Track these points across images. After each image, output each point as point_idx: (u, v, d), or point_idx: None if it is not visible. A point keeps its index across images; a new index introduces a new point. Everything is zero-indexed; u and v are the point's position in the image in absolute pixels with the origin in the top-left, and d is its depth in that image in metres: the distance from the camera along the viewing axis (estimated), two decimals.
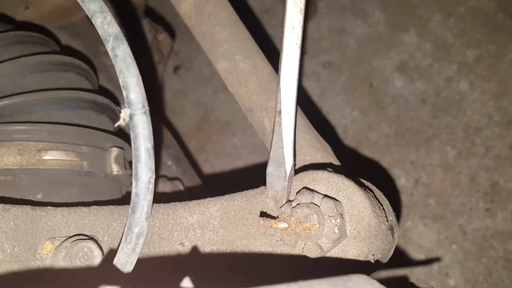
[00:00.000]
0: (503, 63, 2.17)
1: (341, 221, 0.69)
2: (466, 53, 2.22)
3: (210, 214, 0.80)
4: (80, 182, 0.97)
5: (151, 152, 0.61)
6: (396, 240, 0.81)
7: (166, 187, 1.23)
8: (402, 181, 2.14)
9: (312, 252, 0.70)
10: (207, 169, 2.37)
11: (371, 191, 0.79)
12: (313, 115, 2.32)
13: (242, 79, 0.94)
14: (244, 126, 2.40)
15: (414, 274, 2.06)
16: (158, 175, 1.24)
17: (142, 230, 0.61)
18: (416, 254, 2.09)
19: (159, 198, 0.80)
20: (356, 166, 2.16)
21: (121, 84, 0.60)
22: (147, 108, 0.61)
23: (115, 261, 0.63)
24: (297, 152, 0.88)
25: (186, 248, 0.79)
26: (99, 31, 0.64)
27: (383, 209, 0.77)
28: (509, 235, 1.99)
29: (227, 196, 0.82)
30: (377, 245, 0.72)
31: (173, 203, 0.82)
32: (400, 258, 2.01)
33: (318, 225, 0.68)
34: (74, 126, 0.99)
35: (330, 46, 2.39)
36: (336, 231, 0.68)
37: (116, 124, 0.61)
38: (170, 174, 1.32)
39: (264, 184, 0.83)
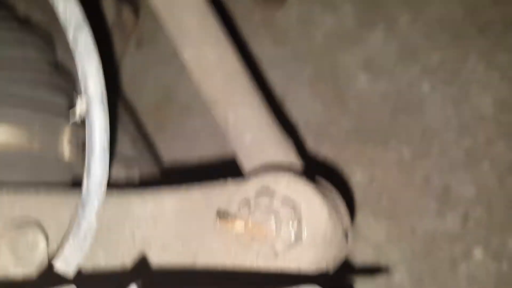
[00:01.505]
0: (465, 69, 2.20)
1: (298, 227, 0.68)
2: (431, 56, 2.24)
3: (165, 206, 0.77)
4: (28, 163, 0.92)
5: (107, 148, 0.57)
6: (350, 244, 0.81)
7: (120, 169, 1.18)
8: (357, 177, 2.16)
9: (266, 256, 0.68)
10: (164, 151, 2.32)
11: (331, 193, 0.78)
12: (276, 106, 2.31)
13: (208, 70, 0.91)
14: (206, 110, 2.35)
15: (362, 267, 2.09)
16: (111, 163, 1.19)
17: (91, 229, 0.58)
18: (364, 248, 2.11)
19: (111, 182, 0.77)
20: (316, 161, 2.17)
21: (79, 73, 0.56)
22: (105, 101, 0.57)
23: (58, 260, 0.60)
24: (258, 148, 0.87)
25: (136, 241, 0.76)
26: (60, 15, 0.60)
27: (340, 213, 0.77)
28: (457, 237, 2.03)
29: (184, 187, 0.79)
30: (331, 252, 0.72)
31: (126, 190, 0.79)
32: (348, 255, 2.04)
33: (274, 230, 0.67)
34: (26, 103, 0.94)
35: (298, 37, 2.37)
36: (292, 236, 0.67)
37: (72, 121, 0.58)
38: (125, 156, 1.27)
39: (224, 176, 0.81)
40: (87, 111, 0.56)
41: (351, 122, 2.21)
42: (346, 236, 0.78)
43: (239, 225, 0.67)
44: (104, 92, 0.57)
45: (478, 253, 2.03)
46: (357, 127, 2.20)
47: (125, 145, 1.22)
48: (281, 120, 0.99)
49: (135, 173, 1.20)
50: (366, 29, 2.30)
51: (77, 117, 0.57)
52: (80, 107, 0.56)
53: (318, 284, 0.55)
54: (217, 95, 0.90)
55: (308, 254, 0.69)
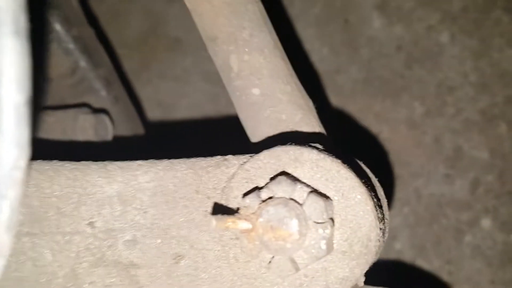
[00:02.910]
0: (489, 20, 1.98)
1: (331, 232, 0.46)
2: (453, 2, 2.01)
3: (138, 184, 0.55)
4: None
5: (24, 110, 0.33)
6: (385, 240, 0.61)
7: (87, 122, 0.94)
8: (362, 134, 1.97)
9: (282, 270, 0.47)
10: (148, 92, 2.08)
11: (368, 177, 0.57)
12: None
13: None
14: (198, 47, 2.11)
15: None
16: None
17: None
18: None
19: (68, 146, 0.54)
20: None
21: None
22: (23, 25, 0.31)
23: None
24: (272, 108, 0.64)
25: (97, 231, 0.54)
26: None
27: (380, 203, 0.56)
28: (464, 204, 1.90)
29: (166, 162, 0.56)
30: (369, 260, 0.51)
31: (84, 162, 0.56)
32: None
33: (298, 236, 0.46)
34: None
35: None
36: (323, 246, 0.46)
37: None
38: (97, 102, 1.03)
39: (225, 149, 0.59)
40: None
41: (360, 71, 1.99)
42: (384, 230, 0.57)
43: (244, 225, 0.45)
44: (24, 7, 0.32)
45: (485, 223, 1.91)
46: (366, 77, 1.98)
47: (97, 87, 0.98)
48: None
49: (107, 125, 0.96)
50: None
51: None
52: None
53: None
54: (217, 30, 0.65)
55: (342, 266, 0.48)
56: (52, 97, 0.99)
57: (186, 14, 2.03)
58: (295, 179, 0.49)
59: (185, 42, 2.14)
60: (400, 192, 1.94)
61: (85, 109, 0.98)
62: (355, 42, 2.01)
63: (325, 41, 2.02)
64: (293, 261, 0.47)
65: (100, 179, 0.55)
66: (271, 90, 0.65)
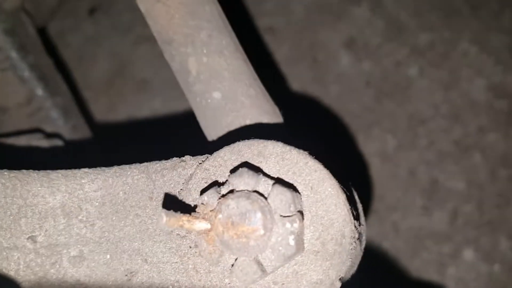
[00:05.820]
0: (456, 52, 2.02)
1: (300, 226, 0.41)
2: (419, 36, 2.05)
3: (84, 194, 0.49)
4: None
5: None
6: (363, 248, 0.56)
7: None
8: None
9: (246, 274, 0.41)
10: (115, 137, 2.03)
11: (342, 175, 0.52)
12: None
13: None
14: (166, 87, 2.09)
15: None
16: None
17: None
18: None
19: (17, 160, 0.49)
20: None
21: None
22: None
23: None
24: (234, 113, 0.60)
25: (39, 246, 0.48)
26: None
27: (355, 204, 0.51)
28: (444, 236, 1.86)
29: (115, 168, 0.51)
30: (347, 264, 0.45)
31: (25, 170, 0.50)
32: None
33: (262, 232, 0.40)
34: None
35: (275, 10, 2.12)
36: (292, 242, 0.40)
37: None
38: (53, 130, 0.98)
39: (181, 155, 0.54)
40: None
41: (330, 107, 1.99)
42: (361, 238, 0.52)
43: (201, 225, 0.40)
44: None
45: (468, 254, 1.88)
46: (336, 112, 1.98)
47: (54, 116, 0.93)
48: None
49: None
50: (350, 5, 2.07)
51: None
52: None
53: None
54: (173, 32, 0.61)
55: (315, 268, 0.42)
56: (9, 127, 0.95)
57: (152, 55, 2.02)
58: (258, 170, 0.44)
59: (152, 83, 2.11)
60: (377, 226, 1.90)
61: (38, 135, 0.93)
62: (324, 79, 2.01)
63: (295, 79, 2.02)
64: (258, 263, 0.41)
65: (42, 188, 0.49)
66: (233, 93, 0.60)
